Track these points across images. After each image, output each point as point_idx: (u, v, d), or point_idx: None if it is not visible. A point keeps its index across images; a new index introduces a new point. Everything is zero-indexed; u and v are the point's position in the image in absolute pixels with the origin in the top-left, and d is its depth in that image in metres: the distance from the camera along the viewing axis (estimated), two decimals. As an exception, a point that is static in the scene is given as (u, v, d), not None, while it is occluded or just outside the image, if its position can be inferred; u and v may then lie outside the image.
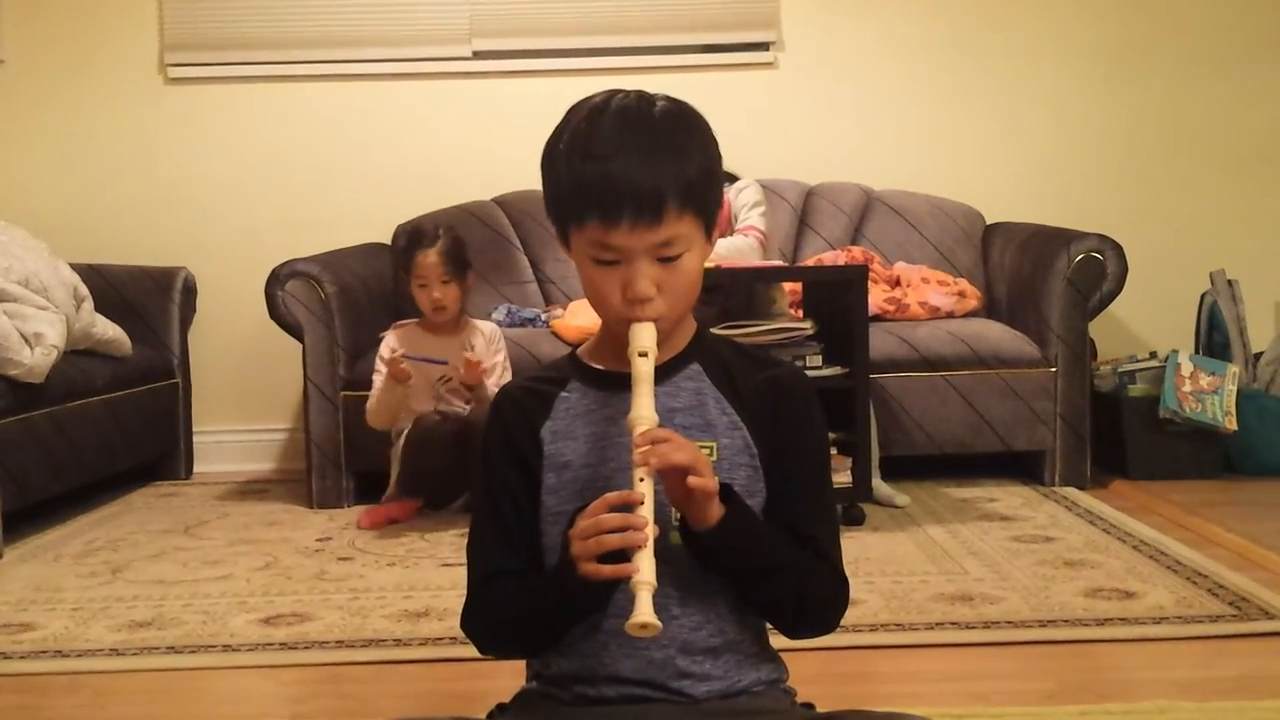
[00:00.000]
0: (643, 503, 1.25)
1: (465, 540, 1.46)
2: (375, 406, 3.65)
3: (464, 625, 1.44)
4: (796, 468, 1.40)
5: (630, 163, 1.29)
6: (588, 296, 1.37)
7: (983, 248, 4.47)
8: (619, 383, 1.33)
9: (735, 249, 3.85)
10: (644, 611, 1.21)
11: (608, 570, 1.25)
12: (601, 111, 1.33)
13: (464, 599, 1.44)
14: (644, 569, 1.22)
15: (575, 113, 1.36)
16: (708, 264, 1.41)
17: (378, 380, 3.63)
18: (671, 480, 1.28)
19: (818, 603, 1.39)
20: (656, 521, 1.26)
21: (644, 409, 1.29)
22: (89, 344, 3.99)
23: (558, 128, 1.36)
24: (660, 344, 1.34)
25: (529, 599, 1.36)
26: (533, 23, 4.63)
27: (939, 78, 4.66)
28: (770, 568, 1.34)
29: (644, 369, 1.31)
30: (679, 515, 1.31)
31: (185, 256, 4.56)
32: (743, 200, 3.98)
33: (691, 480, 1.26)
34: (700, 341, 1.44)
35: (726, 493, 1.31)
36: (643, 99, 1.35)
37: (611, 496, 1.27)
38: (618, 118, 1.32)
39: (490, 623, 1.41)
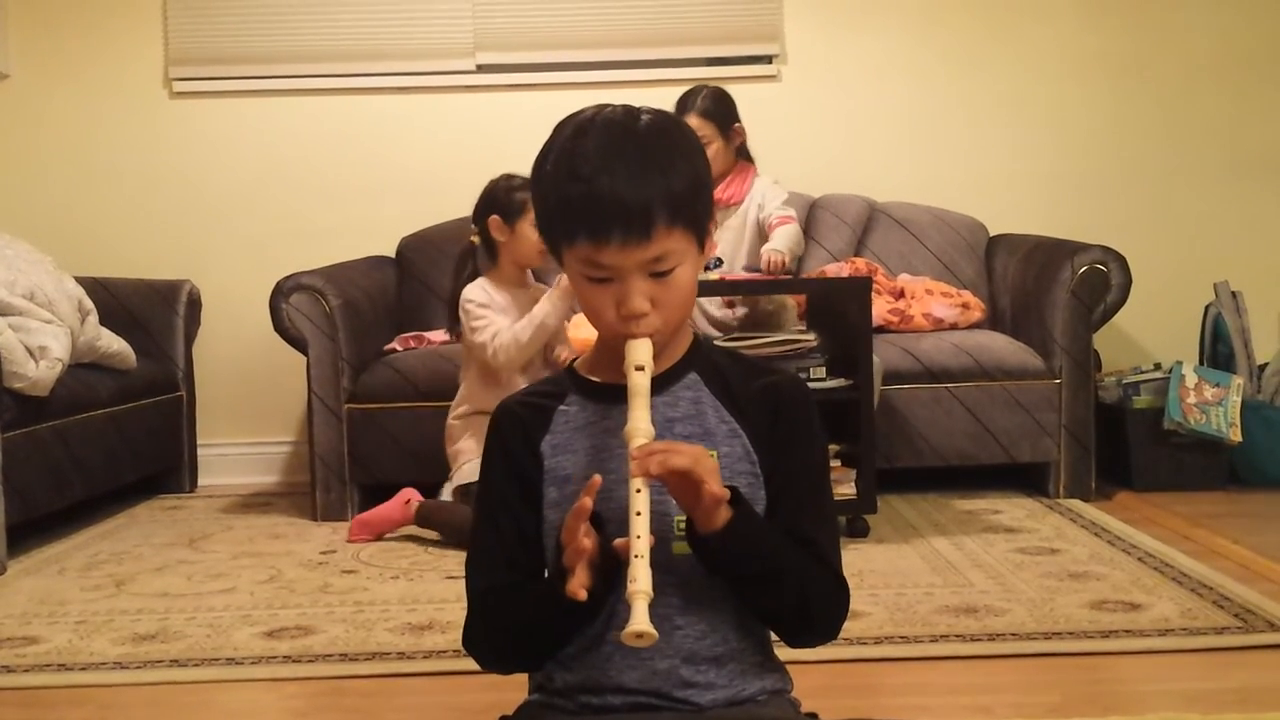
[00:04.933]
0: (640, 514, 1.24)
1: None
2: (527, 341, 3.40)
3: (465, 642, 1.43)
4: (796, 473, 1.40)
5: (616, 181, 1.28)
6: (583, 312, 1.37)
7: (986, 259, 4.47)
8: (617, 395, 1.33)
9: (798, 237, 3.82)
10: (640, 621, 1.21)
11: (582, 594, 1.25)
12: (586, 129, 1.33)
13: (465, 615, 1.44)
14: (640, 579, 1.22)
15: (561, 130, 1.35)
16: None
17: (515, 326, 3.42)
18: (677, 486, 1.28)
19: (820, 608, 1.39)
20: (655, 531, 1.26)
21: (640, 422, 1.29)
22: (93, 357, 4.00)
23: (545, 146, 1.36)
24: (657, 355, 1.34)
25: (528, 610, 1.36)
26: (536, 36, 4.65)
27: (942, 89, 4.67)
28: (775, 572, 1.33)
29: (640, 383, 1.31)
30: (684, 521, 1.31)
31: (190, 270, 4.57)
32: (772, 195, 3.93)
33: (707, 489, 1.25)
34: (697, 351, 1.44)
35: (733, 496, 1.31)
36: (628, 113, 1.35)
37: (585, 503, 1.26)
38: (602, 134, 1.32)
39: (491, 637, 1.41)
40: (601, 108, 1.36)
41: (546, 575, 1.39)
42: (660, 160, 1.31)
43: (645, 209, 1.28)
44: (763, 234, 3.86)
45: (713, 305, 3.93)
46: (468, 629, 1.43)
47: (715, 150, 3.85)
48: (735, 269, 3.84)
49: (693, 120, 3.79)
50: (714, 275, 3.56)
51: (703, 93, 3.87)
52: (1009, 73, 4.67)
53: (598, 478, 1.27)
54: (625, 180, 1.28)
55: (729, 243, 3.88)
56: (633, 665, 1.34)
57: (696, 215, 1.34)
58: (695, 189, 1.34)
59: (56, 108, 4.67)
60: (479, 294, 3.54)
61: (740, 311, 3.93)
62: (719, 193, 3.86)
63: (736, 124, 3.89)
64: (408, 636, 2.64)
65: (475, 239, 3.65)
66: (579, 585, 1.25)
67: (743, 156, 3.96)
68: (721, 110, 3.86)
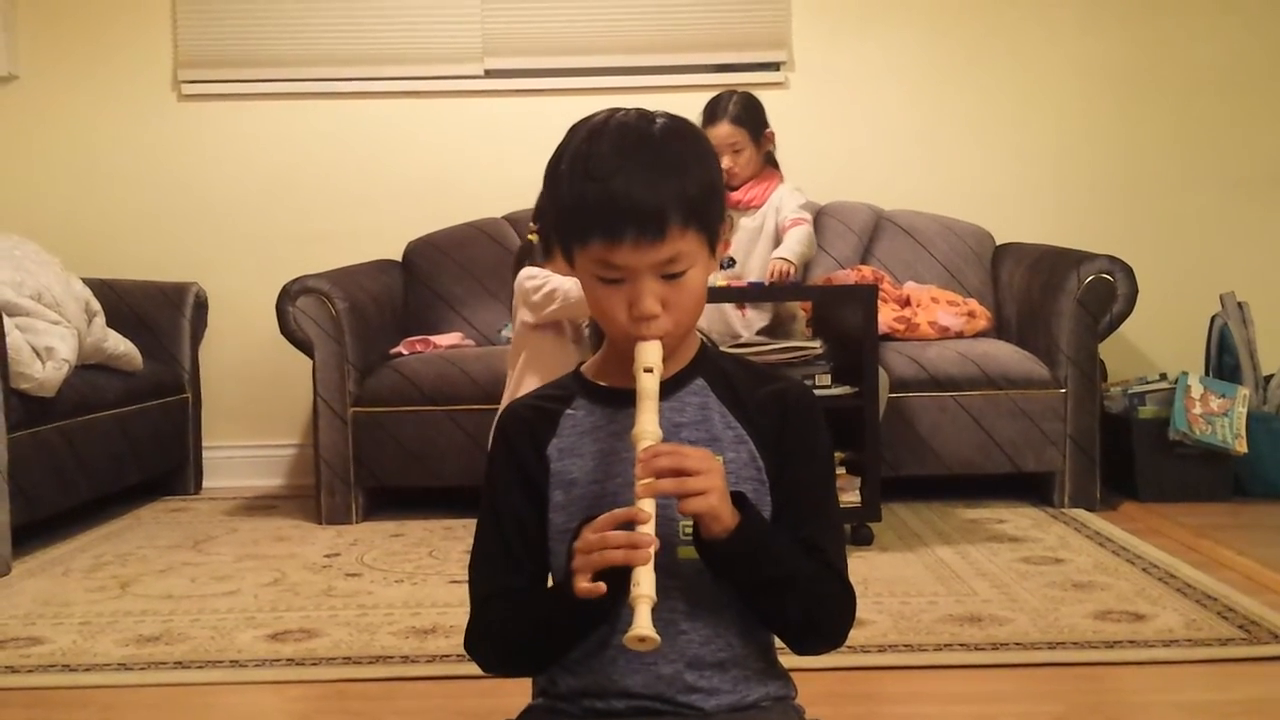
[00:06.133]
0: (648, 518, 1.25)
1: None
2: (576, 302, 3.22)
3: (467, 645, 1.43)
4: (803, 480, 1.39)
5: (631, 181, 1.29)
6: (594, 314, 1.38)
7: (992, 268, 4.47)
8: (625, 399, 1.33)
9: (810, 239, 3.81)
10: (642, 625, 1.21)
11: (601, 587, 1.24)
12: (601, 131, 1.33)
13: (467, 618, 1.44)
14: (644, 583, 1.22)
15: (575, 132, 1.36)
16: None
17: (560, 292, 3.28)
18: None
19: (827, 614, 1.38)
20: (661, 535, 1.26)
21: (648, 424, 1.29)
22: (100, 359, 4.00)
23: (559, 148, 1.36)
24: (665, 359, 1.34)
25: (533, 615, 1.36)
26: (544, 42, 4.66)
27: (949, 98, 4.67)
28: (782, 578, 1.33)
29: (649, 385, 1.31)
30: (690, 526, 1.31)
31: (197, 272, 4.58)
32: (790, 199, 3.91)
33: (685, 506, 1.26)
34: (704, 356, 1.44)
35: (741, 501, 1.31)
36: (642, 116, 1.36)
37: (619, 513, 1.27)
38: (617, 136, 1.32)
39: (494, 641, 1.41)
40: (614, 111, 1.37)
41: (552, 580, 1.39)
42: (674, 162, 1.32)
43: (659, 209, 1.29)
44: (779, 240, 3.86)
45: (733, 316, 3.91)
46: (470, 632, 1.43)
47: (747, 157, 3.85)
48: (747, 270, 3.84)
49: (725, 127, 3.79)
50: (722, 280, 3.55)
51: (733, 99, 3.85)
52: (1016, 82, 4.67)
53: (600, 585, 1.25)
54: (640, 180, 1.29)
55: (742, 244, 3.88)
56: (636, 670, 1.34)
57: (709, 218, 1.34)
58: (708, 192, 1.34)
59: (65, 109, 4.68)
60: (534, 269, 3.39)
61: (760, 320, 3.91)
62: (740, 194, 3.87)
63: (767, 129, 3.89)
64: (411, 640, 2.64)
65: (533, 236, 3.62)
66: (589, 582, 1.25)
67: (769, 163, 3.96)
68: (752, 116, 3.86)
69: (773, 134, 3.92)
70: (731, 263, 3.83)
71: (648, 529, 1.24)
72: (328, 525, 3.86)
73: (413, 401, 3.90)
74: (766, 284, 3.65)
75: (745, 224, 3.89)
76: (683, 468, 1.26)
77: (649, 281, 1.32)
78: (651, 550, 1.23)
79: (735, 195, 3.88)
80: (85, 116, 4.68)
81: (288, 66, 4.66)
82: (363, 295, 4.08)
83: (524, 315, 3.42)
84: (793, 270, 3.66)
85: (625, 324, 1.33)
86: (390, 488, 4.03)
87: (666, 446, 1.28)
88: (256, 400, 4.65)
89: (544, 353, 3.39)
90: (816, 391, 3.24)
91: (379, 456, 3.90)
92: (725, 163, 3.80)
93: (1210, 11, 4.65)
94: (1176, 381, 3.99)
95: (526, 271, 3.45)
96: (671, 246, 1.30)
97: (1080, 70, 4.67)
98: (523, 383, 3.38)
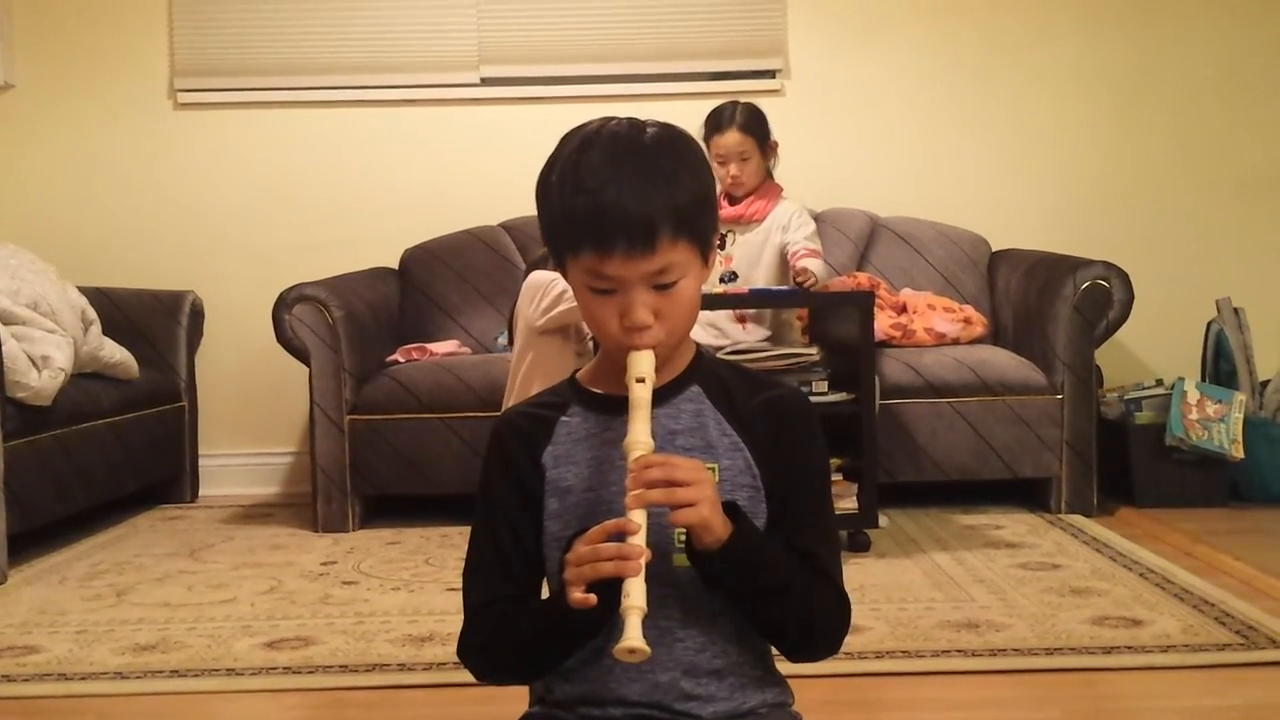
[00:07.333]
0: (637, 529, 1.25)
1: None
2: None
3: (460, 652, 1.43)
4: (798, 487, 1.39)
5: (621, 193, 1.29)
6: (587, 323, 1.37)
7: (989, 275, 4.47)
8: (619, 406, 1.33)
9: (827, 273, 3.83)
10: (632, 636, 1.21)
11: (592, 599, 1.24)
12: (592, 141, 1.33)
13: (461, 626, 1.43)
14: (634, 594, 1.22)
15: (567, 142, 1.36)
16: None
17: (570, 294, 3.29)
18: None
19: (822, 623, 1.38)
20: (653, 544, 1.26)
21: (639, 435, 1.29)
22: (96, 367, 4.00)
23: (550, 158, 1.36)
24: (660, 367, 1.34)
25: (526, 625, 1.36)
26: (541, 50, 4.66)
27: (945, 105, 4.68)
28: (778, 587, 1.33)
29: (641, 395, 1.31)
30: (684, 535, 1.31)
31: (193, 280, 4.57)
32: (801, 223, 3.92)
33: (675, 517, 1.26)
34: (700, 363, 1.44)
35: (734, 511, 1.31)
36: (634, 126, 1.35)
37: (609, 524, 1.27)
38: (608, 146, 1.32)
39: (487, 649, 1.41)
40: (607, 120, 1.36)
41: (547, 586, 1.39)
42: (665, 172, 1.31)
43: (650, 220, 1.29)
44: (782, 258, 3.86)
45: (729, 326, 3.91)
46: (463, 639, 1.42)
47: (754, 166, 3.87)
48: (750, 284, 3.84)
49: (734, 135, 3.80)
50: (719, 289, 3.56)
51: (738, 108, 3.86)
52: (1012, 88, 4.68)
53: (591, 597, 1.25)
54: (630, 192, 1.29)
55: (746, 259, 3.89)
56: (634, 678, 1.34)
57: (701, 228, 1.34)
58: (700, 202, 1.34)
59: (61, 117, 4.68)
60: (545, 272, 3.42)
61: (759, 333, 3.91)
62: (742, 208, 3.89)
63: (772, 140, 3.90)
64: (408, 648, 2.64)
65: None
66: (581, 594, 1.25)
67: (767, 175, 3.96)
68: (759, 126, 3.87)
69: (777, 144, 3.93)
70: (734, 276, 3.83)
71: (638, 540, 1.24)
72: (324, 533, 3.86)
73: (409, 409, 3.90)
74: (794, 279, 3.62)
75: (748, 239, 3.90)
76: (673, 479, 1.26)
77: (640, 292, 1.32)
78: (642, 561, 1.23)
79: (737, 209, 3.88)
80: (81, 125, 4.68)
81: (284, 75, 4.66)
82: (359, 303, 4.08)
83: (531, 319, 3.42)
84: (816, 280, 3.63)
85: (617, 334, 1.33)
86: (387, 495, 4.03)
87: (657, 457, 1.28)
88: (253, 408, 4.64)
89: (550, 356, 3.39)
90: (813, 398, 3.24)
91: (375, 464, 3.90)
92: (733, 170, 3.82)
93: (1206, 18, 4.66)
94: (1173, 387, 3.99)
95: (538, 273, 3.45)
96: (662, 257, 1.30)
97: (1076, 76, 4.67)
98: (531, 386, 3.39)
